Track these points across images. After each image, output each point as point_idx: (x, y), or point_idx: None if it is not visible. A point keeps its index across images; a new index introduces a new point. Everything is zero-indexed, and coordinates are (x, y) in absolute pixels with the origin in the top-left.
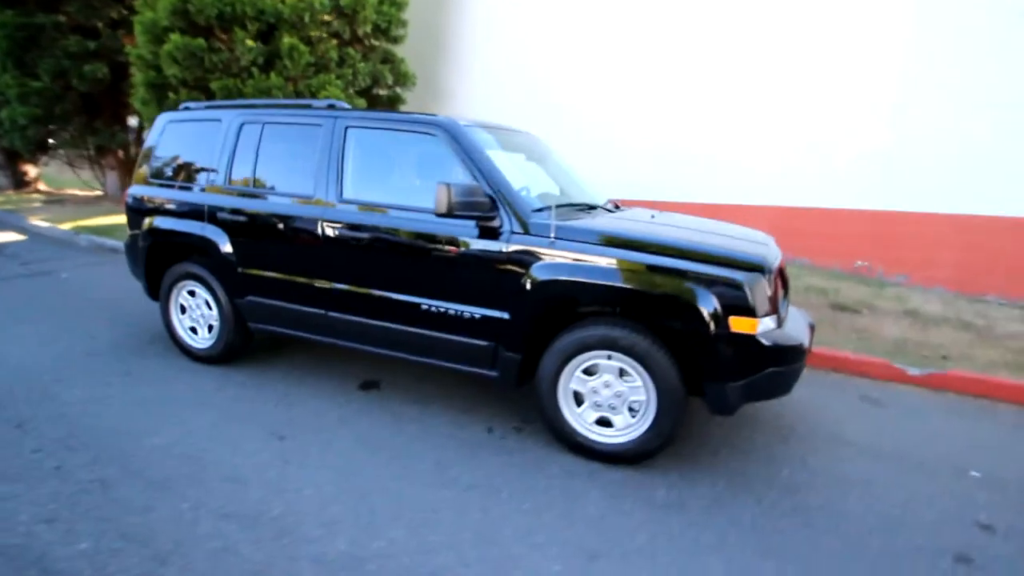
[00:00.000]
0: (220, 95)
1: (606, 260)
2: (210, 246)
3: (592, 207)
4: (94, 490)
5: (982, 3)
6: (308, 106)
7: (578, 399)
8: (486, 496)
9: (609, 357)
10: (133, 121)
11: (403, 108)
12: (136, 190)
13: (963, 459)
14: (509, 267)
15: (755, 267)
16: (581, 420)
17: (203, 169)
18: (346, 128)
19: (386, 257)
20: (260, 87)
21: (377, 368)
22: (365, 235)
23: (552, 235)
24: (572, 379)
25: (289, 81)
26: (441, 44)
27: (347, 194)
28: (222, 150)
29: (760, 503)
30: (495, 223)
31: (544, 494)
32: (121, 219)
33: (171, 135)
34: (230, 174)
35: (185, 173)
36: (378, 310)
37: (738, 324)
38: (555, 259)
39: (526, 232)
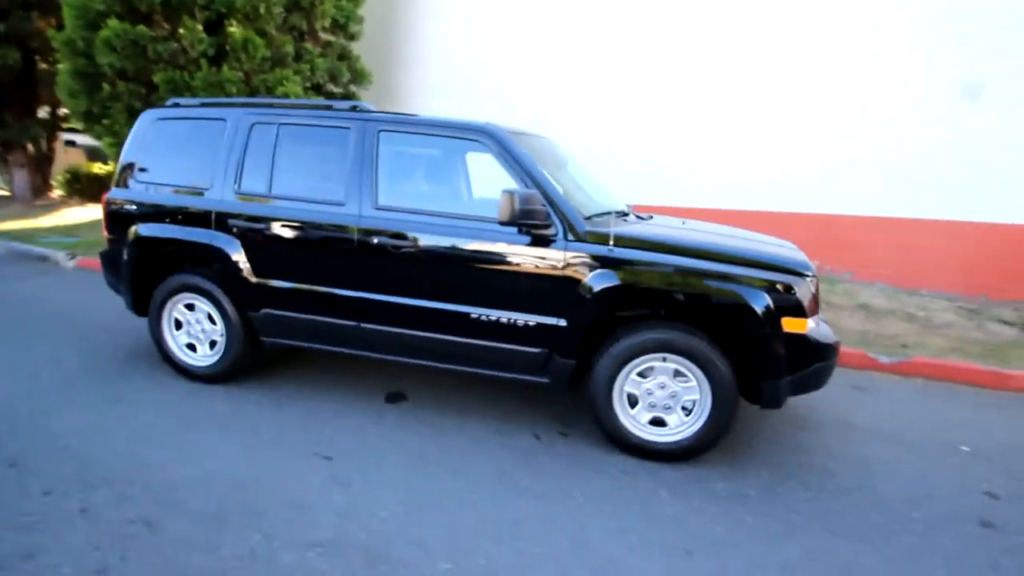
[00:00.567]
0: (164, 88)
1: (667, 267)
2: (218, 255)
3: (624, 214)
4: (139, 531)
5: (916, 27)
6: (329, 107)
7: (631, 401)
8: (563, 502)
9: (664, 359)
10: (44, 113)
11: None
12: (119, 194)
13: (949, 436)
14: (567, 275)
15: (803, 272)
16: (635, 421)
17: (206, 172)
18: (379, 132)
19: (432, 266)
20: (210, 80)
21: (396, 379)
22: (408, 243)
23: (611, 243)
24: (627, 382)
25: (243, 75)
26: (396, 40)
27: (382, 200)
28: (229, 152)
29: (808, 489)
30: (549, 231)
31: (617, 496)
32: (39, 223)
33: (160, 134)
34: (241, 178)
35: (183, 176)
36: (420, 320)
37: (790, 324)
38: (615, 267)
39: (582, 240)
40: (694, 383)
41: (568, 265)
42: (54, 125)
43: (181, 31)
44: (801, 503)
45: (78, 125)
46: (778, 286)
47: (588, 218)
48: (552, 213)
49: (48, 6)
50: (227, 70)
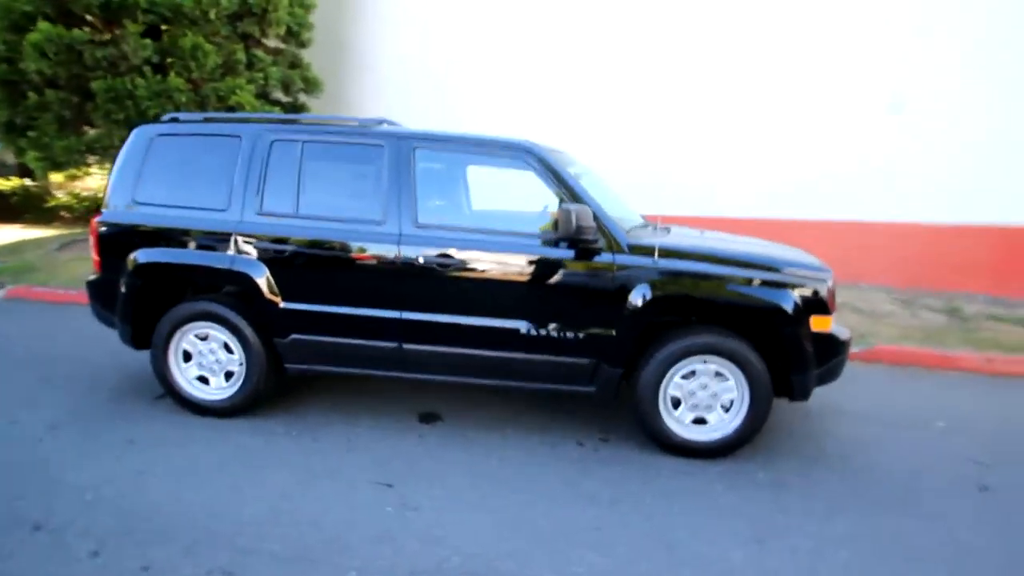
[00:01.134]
0: (103, 97)
1: (708, 275)
2: (240, 280)
3: (644, 225)
4: None
5: (845, 43)
6: (354, 123)
7: (674, 403)
8: (636, 506)
9: (705, 361)
10: None
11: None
12: (112, 217)
13: (923, 414)
14: (616, 287)
15: (825, 274)
16: (678, 422)
17: (221, 192)
18: (414, 149)
19: (478, 283)
20: (156, 89)
21: (420, 399)
22: (453, 261)
23: (656, 255)
24: (671, 384)
25: (191, 84)
26: (346, 47)
27: (422, 219)
28: (248, 170)
29: (833, 471)
30: (597, 245)
31: (681, 494)
32: None
33: (161, 152)
34: (263, 198)
35: (192, 196)
36: (466, 338)
37: (818, 323)
38: (660, 277)
39: (626, 252)
40: (732, 382)
41: (616, 277)
42: None
43: (120, 35)
44: (833, 484)
45: None
46: (807, 288)
47: (627, 231)
48: (597, 228)
49: None
50: (174, 78)
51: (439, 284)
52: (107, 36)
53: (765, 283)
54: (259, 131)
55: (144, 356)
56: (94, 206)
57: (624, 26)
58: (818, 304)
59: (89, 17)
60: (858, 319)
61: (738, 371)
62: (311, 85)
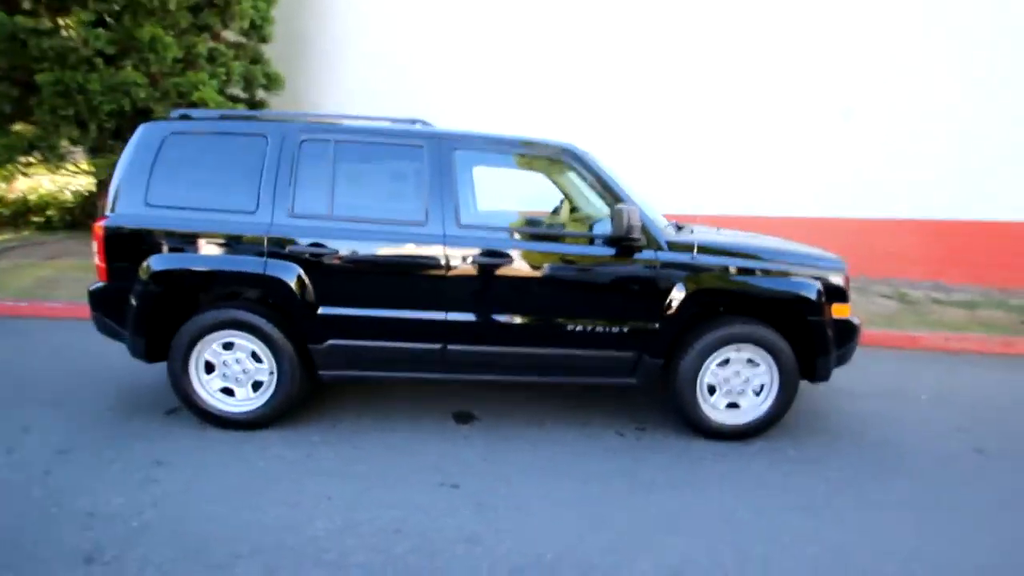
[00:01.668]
0: (50, 90)
1: (742, 269)
2: (274, 285)
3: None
4: None
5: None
6: (388, 122)
7: (709, 389)
8: (697, 493)
9: (738, 349)
10: None
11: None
12: (119, 220)
13: (906, 388)
14: (659, 282)
15: (842, 267)
16: (713, 407)
17: (248, 193)
18: (454, 150)
19: (525, 282)
20: (110, 83)
21: (450, 399)
22: (499, 261)
23: (695, 251)
24: (708, 372)
25: (149, 78)
26: (307, 41)
27: (464, 219)
28: (277, 171)
29: (856, 445)
30: (640, 242)
31: (729, 476)
32: None
33: (175, 151)
34: (294, 199)
35: (214, 198)
36: (513, 336)
37: (838, 310)
38: (699, 271)
39: (666, 249)
40: (763, 368)
41: (659, 273)
42: None
43: (69, 23)
44: (857, 457)
45: None
46: (828, 279)
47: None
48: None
49: None
50: (131, 71)
51: (485, 284)
52: (52, 25)
53: (793, 275)
54: (287, 130)
55: (139, 367)
56: (23, 209)
57: (603, 19)
58: (838, 292)
59: (32, 3)
60: None
61: (769, 357)
62: (272, 81)
